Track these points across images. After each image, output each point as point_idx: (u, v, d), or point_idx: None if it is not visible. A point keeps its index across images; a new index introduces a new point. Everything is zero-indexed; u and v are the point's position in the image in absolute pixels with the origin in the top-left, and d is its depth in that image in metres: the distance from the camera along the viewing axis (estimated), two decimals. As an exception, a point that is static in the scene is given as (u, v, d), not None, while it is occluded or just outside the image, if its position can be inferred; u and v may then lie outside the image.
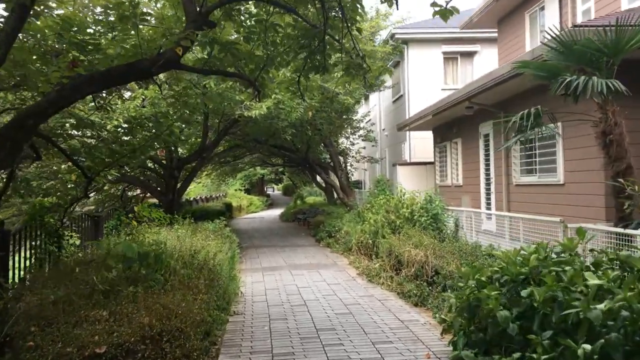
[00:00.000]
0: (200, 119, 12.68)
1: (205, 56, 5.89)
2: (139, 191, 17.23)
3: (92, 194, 16.34)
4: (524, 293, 4.61)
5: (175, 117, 6.65)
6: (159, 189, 14.45)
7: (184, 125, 12.02)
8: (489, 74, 10.36)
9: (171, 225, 11.88)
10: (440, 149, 16.33)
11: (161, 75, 7.65)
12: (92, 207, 17.07)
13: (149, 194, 15.65)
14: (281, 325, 7.10)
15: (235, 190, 39.85)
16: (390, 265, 10.03)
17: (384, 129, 24.88)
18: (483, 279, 5.40)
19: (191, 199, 23.82)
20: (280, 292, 9.43)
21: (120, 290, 5.17)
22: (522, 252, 5.41)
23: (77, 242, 9.52)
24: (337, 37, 6.03)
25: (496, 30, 16.90)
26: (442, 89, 19.83)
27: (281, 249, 15.87)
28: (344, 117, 18.44)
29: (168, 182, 13.74)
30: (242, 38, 5.96)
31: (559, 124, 8.53)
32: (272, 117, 12.62)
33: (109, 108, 7.16)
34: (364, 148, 23.73)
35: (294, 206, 30.55)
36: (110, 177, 7.33)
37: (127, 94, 12.65)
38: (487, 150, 12.52)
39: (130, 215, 7.81)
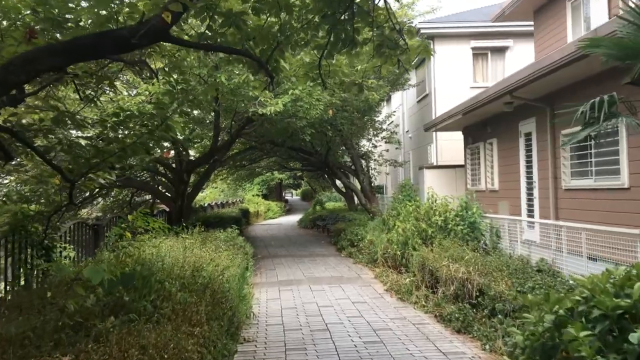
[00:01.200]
0: (211, 118, 11.63)
1: (206, 31, 4.76)
2: (149, 196, 16.24)
3: (99, 200, 15.41)
4: (633, 338, 3.35)
5: (172, 108, 5.53)
6: (168, 194, 13.41)
7: (190, 125, 11.00)
8: (535, 63, 9.09)
9: (178, 235, 10.81)
10: (472, 150, 15.03)
11: (160, 64, 6.54)
12: (100, 214, 16.17)
13: (159, 200, 14.64)
14: (299, 359, 5.92)
15: (253, 195, 38.82)
16: (423, 282, 8.79)
17: (407, 131, 23.60)
18: (561, 312, 4.15)
19: (205, 204, 22.84)
20: (299, 312, 8.24)
21: (94, 325, 4.04)
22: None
23: (72, 255, 8.50)
24: (366, 8, 4.87)
25: (532, 22, 15.56)
26: (471, 87, 18.53)
27: (299, 259, 14.70)
28: (367, 117, 17.23)
29: (177, 187, 12.69)
30: (250, 9, 4.83)
31: (622, 118, 7.23)
32: (289, 115, 11.49)
33: (98, 101, 6.11)
34: (387, 151, 22.47)
35: (312, 212, 29.38)
36: (103, 181, 6.19)
37: (133, 92, 11.61)
38: (529, 150, 11.21)
39: (123, 225, 6.75)
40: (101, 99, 7.28)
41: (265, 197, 41.33)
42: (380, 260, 11.91)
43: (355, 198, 28.74)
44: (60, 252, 8.12)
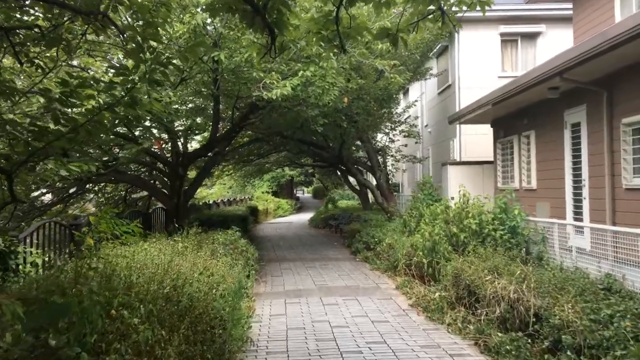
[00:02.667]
0: (210, 105, 10.23)
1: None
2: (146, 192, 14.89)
3: (91, 196, 14.11)
4: None
5: (138, 75, 4.11)
6: (165, 190, 12.03)
7: (181, 107, 9.62)
8: (598, 36, 7.52)
9: (170, 238, 9.44)
10: (503, 145, 13.47)
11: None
12: (94, 211, 14.87)
13: (154, 197, 13.25)
14: (307, 410, 4.48)
15: (262, 192, 37.42)
16: (458, 299, 7.31)
17: (426, 125, 22.04)
18: None
19: (210, 202, 21.47)
20: (308, 334, 6.79)
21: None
22: None
23: (39, 261, 7.14)
24: None
25: (568, 4, 14.00)
26: (499, 77, 16.99)
27: (310, 263, 13.25)
28: (384, 109, 15.72)
29: (173, 183, 11.30)
30: None
31: None
32: (298, 102, 10.05)
33: (42, 64, 4.71)
34: (406, 146, 20.92)
35: (324, 211, 27.94)
36: (67, 174, 4.76)
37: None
38: (576, 143, 9.65)
39: (85, 229, 5.38)
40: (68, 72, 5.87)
41: (275, 194, 39.94)
42: (401, 268, 10.44)
43: (370, 196, 27.28)
44: (24, 258, 6.80)
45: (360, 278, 10.91)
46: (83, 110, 4.25)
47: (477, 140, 17.10)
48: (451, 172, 15.22)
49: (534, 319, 5.66)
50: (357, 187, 26.38)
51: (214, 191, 32.82)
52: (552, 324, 5.33)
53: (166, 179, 11.61)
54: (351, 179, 29.11)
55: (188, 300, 5.01)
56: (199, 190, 34.27)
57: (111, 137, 9.23)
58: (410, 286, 9.28)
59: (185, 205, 11.40)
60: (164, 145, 12.09)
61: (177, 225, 9.45)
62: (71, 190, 11.82)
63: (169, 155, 12.05)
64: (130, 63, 4.06)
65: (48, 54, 5.32)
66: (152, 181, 12.84)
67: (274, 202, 35.35)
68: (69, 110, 4.25)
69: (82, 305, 3.28)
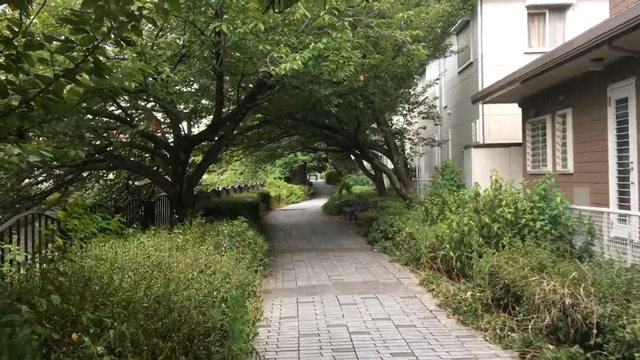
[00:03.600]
0: (212, 83, 9.29)
1: None
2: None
3: (93, 183, 13.32)
4: None
5: (102, 34, 3.18)
6: (167, 177, 11.18)
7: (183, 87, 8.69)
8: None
9: (171, 230, 8.61)
10: (533, 125, 12.39)
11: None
12: (96, 199, 14.10)
13: (157, 184, 12.36)
14: None
15: (275, 178, 36.56)
16: (495, 300, 6.37)
17: (445, 107, 20.93)
18: None
19: (219, 189, 20.61)
20: (323, 343, 5.90)
21: None
22: None
23: (20, 259, 6.32)
24: None
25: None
26: (526, 53, 15.88)
27: (324, 254, 12.37)
28: (402, 89, 14.66)
29: (175, 169, 10.42)
30: None
31: None
32: (310, 79, 9.08)
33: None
34: (424, 128, 19.84)
35: (338, 197, 27.02)
36: (37, 159, 3.85)
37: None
38: (622, 122, 8.58)
39: (52, 226, 4.52)
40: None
41: (288, 180, 39.09)
42: (424, 261, 9.52)
43: (387, 182, 26.29)
44: (1, 255, 5.99)
45: (379, 272, 10.00)
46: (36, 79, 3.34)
47: (502, 121, 16.03)
48: (475, 156, 14.19)
49: (595, 329, 4.70)
50: (373, 172, 25.43)
51: (225, 177, 32.08)
52: (619, 338, 4.37)
53: (169, 165, 10.72)
54: (366, 164, 28.15)
55: (178, 314, 4.13)
56: (208, 177, 33.55)
57: (104, 119, 8.40)
58: (435, 282, 8.36)
59: (189, 193, 10.51)
60: (164, 128, 11.17)
61: (177, 216, 8.57)
62: (70, 178, 10.99)
63: (171, 139, 11.14)
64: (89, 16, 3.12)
65: None
66: (154, 167, 12.00)
67: (286, 188, 34.50)
68: (17, 77, 3.33)
69: (12, 340, 2.40)
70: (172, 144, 10.60)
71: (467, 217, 8.30)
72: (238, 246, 8.46)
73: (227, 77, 10.15)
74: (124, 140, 8.42)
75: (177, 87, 10.45)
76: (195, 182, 11.05)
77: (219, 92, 9.31)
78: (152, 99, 8.07)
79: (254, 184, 30.87)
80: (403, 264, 10.63)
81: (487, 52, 16.24)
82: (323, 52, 8.38)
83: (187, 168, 10.93)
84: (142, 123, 7.52)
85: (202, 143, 12.67)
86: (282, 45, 8.07)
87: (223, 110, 10.70)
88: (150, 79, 7.66)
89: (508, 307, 6.21)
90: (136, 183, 13.38)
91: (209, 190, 17.76)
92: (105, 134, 9.59)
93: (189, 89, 12.41)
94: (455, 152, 19.66)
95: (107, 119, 8.77)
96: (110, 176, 14.05)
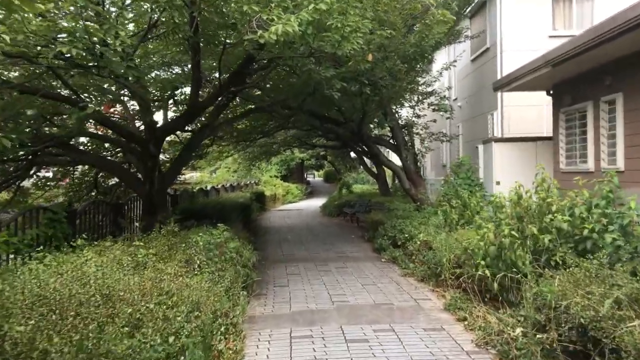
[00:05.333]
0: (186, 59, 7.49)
1: None
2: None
3: (55, 182, 11.53)
4: None
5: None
6: (139, 175, 9.38)
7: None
8: None
9: (131, 242, 6.86)
10: (569, 115, 10.64)
11: None
12: (64, 199, 12.32)
13: (124, 183, 10.49)
14: None
15: (271, 176, 34.73)
16: (559, 340, 4.61)
17: (455, 99, 19.18)
18: None
19: (207, 188, 18.80)
20: (325, 410, 4.13)
21: None
22: None
23: None
24: None
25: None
26: (550, 36, 14.20)
27: (324, 265, 10.61)
28: (414, 73, 12.89)
29: (144, 164, 8.61)
30: None
31: None
32: (310, 51, 7.31)
33: None
34: (434, 122, 18.05)
35: (338, 197, 25.25)
36: None
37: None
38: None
39: None
40: None
41: (284, 178, 37.28)
42: (446, 277, 7.78)
43: (389, 181, 24.51)
44: None
45: (391, 289, 8.24)
46: None
47: (524, 112, 14.31)
48: (497, 151, 12.42)
49: None
50: (375, 170, 23.66)
51: (217, 175, 30.27)
52: None
53: (139, 160, 8.88)
54: (368, 162, 26.35)
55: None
56: (199, 175, 31.66)
57: (42, 100, 6.61)
58: (465, 307, 6.63)
59: (162, 194, 8.69)
60: (135, 115, 9.30)
61: (136, 224, 6.82)
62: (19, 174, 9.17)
63: (142, 132, 9.29)
64: None
65: None
66: (124, 163, 10.22)
67: (282, 187, 32.70)
68: None
69: None
70: (138, 135, 8.73)
71: (506, 226, 6.53)
72: (218, 261, 6.67)
73: (208, 55, 8.35)
74: (70, 125, 6.64)
75: (151, 68, 8.70)
76: (171, 180, 9.25)
77: (196, 68, 7.47)
78: (108, 74, 6.29)
79: (248, 182, 29.06)
80: (418, 279, 8.87)
81: (506, 36, 14.51)
82: (325, 16, 6.61)
83: (162, 164, 9.10)
84: (91, 105, 5.75)
85: (184, 135, 10.90)
86: (273, 6, 6.29)
87: (203, 93, 8.90)
88: (103, 46, 5.87)
89: (570, 350, 4.48)
90: (107, 181, 11.57)
91: (194, 190, 15.97)
92: (52, 121, 7.78)
93: (167, 72, 10.66)
94: (467, 148, 17.91)
95: (53, 100, 6.98)
96: (77, 173, 12.23)
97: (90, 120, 8.10)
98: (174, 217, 8.70)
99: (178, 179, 18.10)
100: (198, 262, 6.34)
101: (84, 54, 5.79)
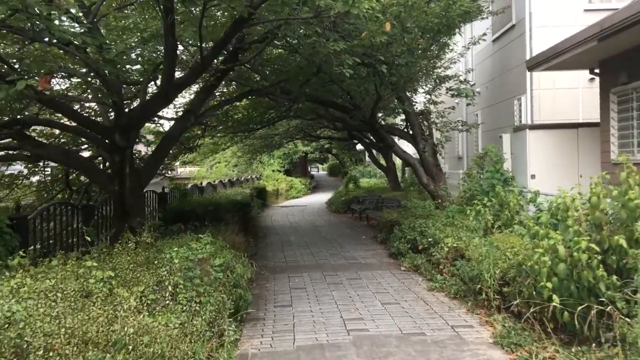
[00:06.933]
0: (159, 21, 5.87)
1: None
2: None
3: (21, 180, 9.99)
4: None
5: None
6: (109, 171, 7.77)
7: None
8: None
9: (86, 258, 5.29)
10: (622, 96, 8.99)
11: None
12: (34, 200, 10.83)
13: (90, 181, 8.82)
14: None
15: (273, 170, 33.09)
16: None
17: (473, 84, 17.48)
18: None
19: (201, 184, 17.14)
20: None
21: None
22: None
23: None
24: None
25: None
26: (586, 10, 12.63)
27: (334, 275, 9.02)
28: (434, 49, 11.22)
29: (112, 159, 6.97)
30: None
31: None
32: (315, 9, 5.68)
33: None
34: (453, 109, 16.35)
35: (345, 192, 23.62)
36: None
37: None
38: None
39: None
40: None
41: (287, 172, 35.65)
42: (491, 297, 6.19)
43: (399, 174, 22.89)
44: None
45: (419, 311, 6.64)
46: None
47: (557, 96, 12.64)
48: (532, 140, 10.79)
49: None
50: (384, 163, 22.04)
51: (215, 170, 28.66)
52: None
53: (108, 153, 7.24)
54: (374, 152, 24.70)
55: None
56: (195, 169, 30.01)
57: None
58: (525, 343, 5.03)
59: (135, 194, 7.05)
60: (100, 97, 7.64)
61: (88, 238, 5.22)
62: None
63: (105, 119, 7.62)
64: None
65: None
66: (94, 158, 8.63)
67: (285, 182, 31.07)
68: None
69: None
70: (102, 122, 7.12)
71: (580, 237, 4.91)
72: (198, 285, 5.08)
73: (190, 25, 6.71)
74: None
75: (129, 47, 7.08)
76: (148, 178, 7.61)
77: (169, 34, 5.79)
78: (48, 39, 4.70)
79: (249, 177, 27.43)
80: (450, 296, 7.27)
81: (536, 11, 12.81)
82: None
83: (140, 157, 7.43)
84: (23, 79, 4.21)
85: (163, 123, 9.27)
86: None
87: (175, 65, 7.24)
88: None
89: None
90: (80, 179, 9.96)
91: (186, 187, 14.37)
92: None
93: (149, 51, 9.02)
94: (486, 138, 16.26)
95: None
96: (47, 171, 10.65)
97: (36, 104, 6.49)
98: (154, 222, 7.10)
99: (174, 174, 16.48)
100: (170, 288, 4.74)
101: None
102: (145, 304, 4.55)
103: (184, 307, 4.76)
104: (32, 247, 6.16)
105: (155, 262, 5.34)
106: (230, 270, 6.29)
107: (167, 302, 4.66)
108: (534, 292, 5.26)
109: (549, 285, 4.89)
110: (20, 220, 6.35)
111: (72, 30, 4.75)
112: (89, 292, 4.49)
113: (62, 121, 8.11)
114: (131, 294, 4.58)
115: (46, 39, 4.79)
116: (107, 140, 7.11)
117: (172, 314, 4.53)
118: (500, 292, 6.16)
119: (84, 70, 6.53)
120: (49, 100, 6.10)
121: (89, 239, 5.92)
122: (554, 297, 4.82)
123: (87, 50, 5.82)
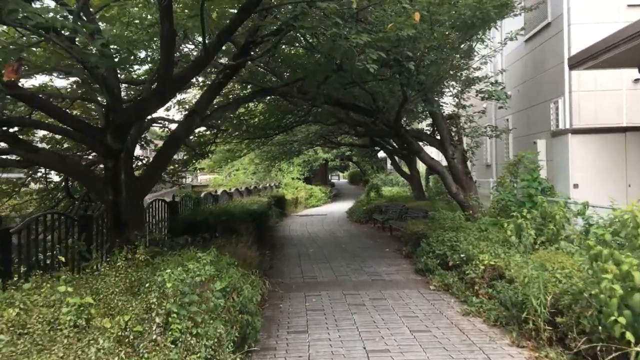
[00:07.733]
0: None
1: None
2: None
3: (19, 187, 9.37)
4: None
5: None
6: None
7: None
8: None
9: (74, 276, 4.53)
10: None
11: None
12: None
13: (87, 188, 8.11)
14: None
15: (292, 178, 32.34)
16: None
17: (503, 87, 16.47)
18: None
19: (216, 192, 16.43)
20: None
21: None
22: None
23: None
24: None
25: None
26: (629, 6, 11.67)
27: (355, 294, 8.14)
28: (466, 47, 10.34)
29: (106, 164, 6.22)
30: None
31: None
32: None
33: None
34: (483, 112, 15.36)
35: (366, 201, 22.72)
36: None
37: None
38: None
39: None
40: None
41: (307, 180, 34.86)
42: (541, 326, 5.28)
43: (423, 183, 21.91)
44: None
45: (454, 341, 5.73)
46: None
47: (598, 98, 11.61)
48: (575, 146, 9.81)
49: None
50: (408, 171, 21.10)
51: (232, 178, 28.01)
52: None
53: (104, 157, 6.51)
54: (397, 159, 23.81)
55: None
56: (212, 177, 29.38)
57: None
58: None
59: (132, 204, 6.29)
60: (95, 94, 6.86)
61: (97, 247, 4.47)
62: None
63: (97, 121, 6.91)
64: None
65: None
66: (96, 164, 7.95)
67: (305, 190, 30.27)
68: None
69: None
70: (92, 123, 6.41)
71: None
72: (195, 314, 4.27)
73: (194, 14, 5.96)
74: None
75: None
76: (148, 185, 6.85)
77: (165, 18, 4.98)
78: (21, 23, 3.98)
79: (267, 185, 26.71)
80: (490, 323, 6.33)
81: (575, 7, 11.85)
82: None
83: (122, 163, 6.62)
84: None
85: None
86: None
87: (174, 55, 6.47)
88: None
89: None
90: (77, 187, 9.29)
91: (200, 196, 13.65)
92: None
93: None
94: (518, 144, 15.25)
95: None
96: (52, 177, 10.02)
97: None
98: (157, 235, 6.33)
99: (189, 182, 15.79)
100: (157, 319, 3.93)
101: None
102: (128, 339, 3.76)
103: (177, 341, 3.96)
104: (15, 265, 5.47)
105: (147, 285, 4.55)
106: (237, 293, 5.47)
107: (155, 336, 3.86)
108: (599, 326, 4.34)
109: (622, 320, 3.97)
110: (1, 233, 5.63)
111: (56, 15, 4.01)
112: (58, 323, 3.72)
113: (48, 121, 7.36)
114: (112, 325, 3.80)
115: (18, 22, 4.06)
116: (99, 144, 6.38)
117: (160, 351, 3.73)
118: (551, 321, 5.24)
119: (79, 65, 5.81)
120: (29, 96, 5.38)
121: (80, 249, 5.18)
122: (628, 334, 3.91)
123: (77, 40, 5.09)
